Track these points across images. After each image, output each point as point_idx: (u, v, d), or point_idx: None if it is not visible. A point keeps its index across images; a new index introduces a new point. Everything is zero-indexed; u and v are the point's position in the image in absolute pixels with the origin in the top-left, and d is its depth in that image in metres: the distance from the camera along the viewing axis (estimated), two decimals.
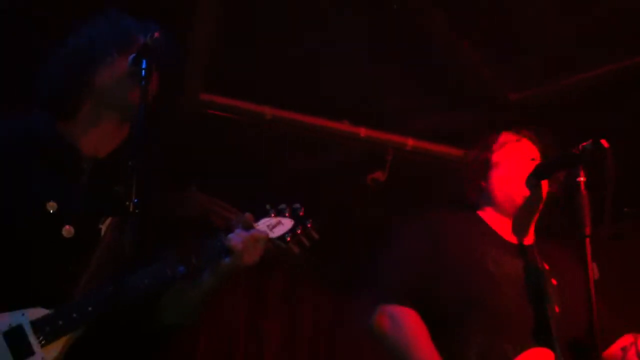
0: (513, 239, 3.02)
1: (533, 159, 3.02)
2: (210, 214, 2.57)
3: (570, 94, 4.37)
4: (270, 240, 2.52)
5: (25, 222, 2.37)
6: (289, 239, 2.54)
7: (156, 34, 2.33)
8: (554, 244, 3.09)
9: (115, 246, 2.40)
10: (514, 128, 3.15)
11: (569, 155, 2.78)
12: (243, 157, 4.90)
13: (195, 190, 2.64)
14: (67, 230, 2.39)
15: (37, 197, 2.40)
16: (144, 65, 2.29)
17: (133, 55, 2.37)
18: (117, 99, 2.48)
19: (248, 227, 2.50)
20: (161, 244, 2.47)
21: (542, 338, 2.78)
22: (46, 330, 2.25)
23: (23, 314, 2.25)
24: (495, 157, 3.09)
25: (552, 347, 2.76)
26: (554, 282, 2.90)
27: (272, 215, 2.58)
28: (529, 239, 3.04)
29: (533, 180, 2.96)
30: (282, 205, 2.60)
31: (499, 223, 3.04)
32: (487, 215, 3.08)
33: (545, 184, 3.00)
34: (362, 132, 4.64)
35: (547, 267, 2.94)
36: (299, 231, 2.56)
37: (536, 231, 3.07)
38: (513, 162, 3.03)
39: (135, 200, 2.11)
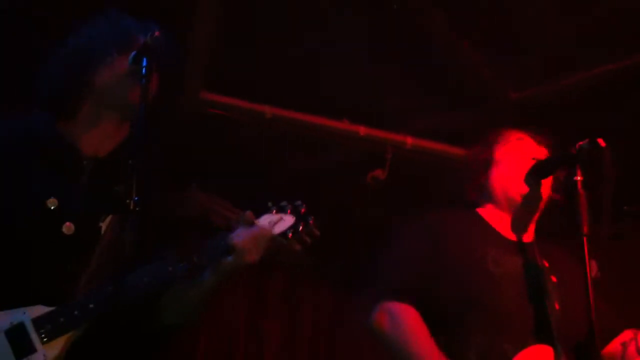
0: (513, 237, 3.02)
1: (534, 158, 3.02)
2: (211, 214, 2.57)
3: (570, 94, 4.38)
4: (272, 237, 2.52)
5: (25, 221, 2.37)
6: (290, 235, 2.54)
7: (156, 33, 2.33)
8: (554, 242, 3.09)
9: (115, 244, 2.40)
10: (518, 127, 3.15)
11: (566, 154, 2.79)
12: (243, 156, 4.90)
13: (195, 189, 2.64)
14: (68, 227, 2.39)
15: (37, 195, 2.40)
16: (144, 64, 2.29)
17: (134, 53, 2.38)
18: (118, 99, 2.48)
19: (249, 224, 2.49)
20: (161, 244, 2.47)
21: (542, 336, 2.78)
22: (47, 327, 2.25)
23: (24, 312, 2.26)
24: (498, 155, 3.09)
25: (552, 345, 2.76)
26: (554, 279, 2.91)
27: (274, 212, 2.58)
28: (529, 237, 3.04)
29: (531, 179, 2.96)
30: (284, 203, 2.59)
31: (499, 220, 3.05)
32: (487, 212, 3.08)
33: (545, 184, 3.00)
34: (362, 130, 4.64)
35: (546, 264, 2.94)
36: (300, 228, 2.55)
37: (537, 229, 3.07)
38: (514, 159, 3.03)
39: (136, 199, 2.11)
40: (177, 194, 2.68)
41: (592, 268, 2.55)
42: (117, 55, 2.49)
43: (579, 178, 2.68)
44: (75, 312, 2.27)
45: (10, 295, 2.28)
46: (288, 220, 2.56)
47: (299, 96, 4.48)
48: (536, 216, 3.04)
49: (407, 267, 2.94)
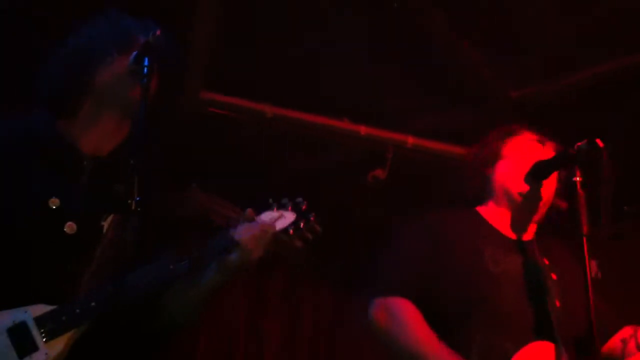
0: (512, 235, 3.02)
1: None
2: (211, 213, 2.57)
3: (570, 94, 4.38)
4: (274, 233, 2.52)
5: (26, 221, 2.37)
6: (291, 232, 2.54)
7: (158, 32, 2.33)
8: (555, 241, 3.09)
9: (117, 244, 2.40)
10: (534, 127, 3.14)
11: (565, 155, 2.79)
12: (243, 156, 4.90)
13: (195, 189, 2.64)
14: (70, 227, 2.39)
15: (38, 195, 2.40)
16: (146, 64, 2.29)
17: (135, 53, 2.38)
18: (118, 98, 2.49)
19: (251, 221, 2.49)
20: (161, 244, 2.47)
21: (543, 334, 2.78)
22: (49, 326, 2.26)
23: (26, 311, 2.26)
24: (506, 150, 3.09)
25: (553, 341, 2.76)
26: (554, 276, 2.91)
27: (275, 209, 2.58)
28: (529, 235, 3.05)
29: (531, 179, 2.96)
30: (285, 199, 2.59)
31: (499, 219, 3.05)
32: (487, 210, 3.08)
33: (546, 185, 3.00)
34: (363, 130, 4.64)
35: (546, 261, 2.94)
36: (301, 225, 2.55)
37: (538, 229, 3.07)
38: (520, 158, 3.03)
39: (137, 199, 2.11)
40: (177, 194, 2.68)
41: (592, 268, 2.55)
42: (117, 54, 2.49)
43: (578, 179, 2.68)
44: (77, 311, 2.28)
45: (13, 295, 2.29)
46: (289, 217, 2.56)
47: (299, 96, 4.48)
48: (536, 217, 3.04)
49: (407, 267, 2.94)
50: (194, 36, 3.99)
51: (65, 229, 2.39)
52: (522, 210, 3.01)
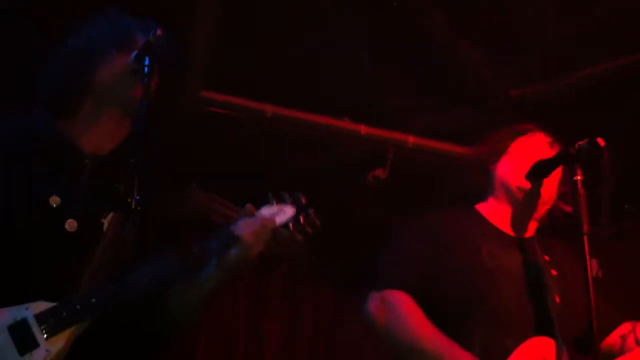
0: (511, 232, 3.03)
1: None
2: (211, 213, 2.56)
3: (570, 94, 4.38)
4: (274, 227, 2.51)
5: (27, 220, 2.37)
6: (291, 226, 2.53)
7: (158, 32, 2.33)
8: (556, 241, 3.10)
9: (117, 242, 2.40)
10: (546, 128, 3.14)
11: (566, 154, 2.79)
12: (243, 156, 4.90)
13: (195, 189, 2.64)
14: (70, 225, 2.40)
15: (39, 194, 2.41)
16: (146, 63, 2.29)
17: (135, 52, 2.38)
18: (118, 97, 2.49)
19: (250, 216, 2.49)
20: (161, 244, 2.47)
21: (543, 330, 2.79)
22: (50, 322, 2.26)
23: (27, 308, 2.27)
24: (513, 147, 3.09)
25: (553, 337, 2.77)
26: (554, 272, 2.91)
27: (274, 204, 2.57)
28: (529, 233, 3.05)
29: (532, 178, 2.96)
30: (284, 194, 2.59)
31: (498, 216, 3.05)
32: (487, 207, 3.09)
33: (547, 183, 3.00)
34: (363, 129, 4.64)
35: (546, 258, 2.95)
36: (301, 219, 2.55)
37: (539, 228, 3.07)
38: (525, 155, 3.03)
39: (137, 198, 2.11)
40: (177, 194, 2.68)
41: (593, 267, 2.56)
42: (117, 53, 2.49)
43: (578, 177, 2.69)
44: (78, 307, 2.28)
45: (13, 292, 2.29)
46: (289, 211, 2.55)
47: (299, 96, 4.48)
48: (536, 214, 3.04)
49: (407, 266, 2.94)
50: (194, 36, 3.99)
51: (65, 227, 2.39)
52: (522, 206, 3.01)
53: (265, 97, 4.46)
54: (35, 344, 2.24)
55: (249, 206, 2.51)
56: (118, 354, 2.36)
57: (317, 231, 2.57)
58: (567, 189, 3.03)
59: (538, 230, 3.08)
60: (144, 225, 2.20)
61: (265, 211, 2.54)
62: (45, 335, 2.25)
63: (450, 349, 2.72)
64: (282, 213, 2.55)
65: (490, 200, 3.10)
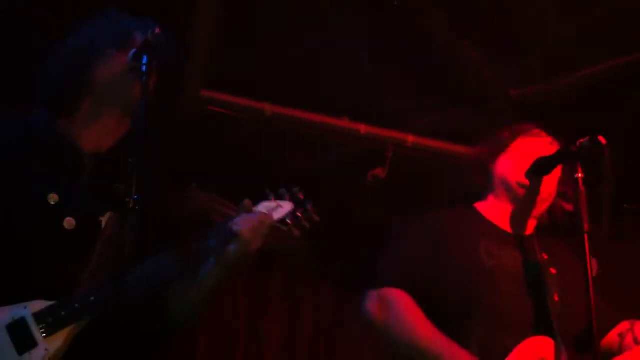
0: (510, 230, 3.03)
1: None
2: (211, 213, 2.56)
3: (570, 93, 4.38)
4: (272, 223, 2.50)
5: (26, 220, 2.37)
6: (289, 221, 2.53)
7: (157, 30, 2.33)
8: (556, 240, 3.10)
9: (116, 242, 2.40)
10: (546, 128, 3.14)
11: (567, 152, 2.80)
12: (243, 156, 4.90)
13: (195, 188, 2.64)
14: (69, 223, 2.40)
15: (38, 193, 2.41)
16: (144, 62, 2.29)
17: (134, 51, 2.38)
18: (118, 96, 2.49)
19: (248, 212, 2.49)
20: (161, 244, 2.47)
21: (542, 329, 2.79)
22: (49, 321, 2.26)
23: (25, 307, 2.27)
24: (513, 146, 3.09)
25: (551, 336, 2.77)
26: (553, 271, 2.91)
27: (272, 199, 2.57)
28: (528, 231, 3.05)
29: (532, 175, 2.97)
30: (282, 190, 2.58)
31: (497, 213, 3.05)
32: (486, 205, 3.09)
33: (547, 180, 3.00)
34: (362, 128, 4.64)
35: (545, 256, 2.95)
36: (299, 214, 2.54)
37: (538, 225, 3.07)
38: (525, 153, 3.03)
39: (135, 197, 2.11)
40: (177, 193, 2.68)
41: (592, 266, 2.56)
42: (116, 52, 2.49)
43: (579, 175, 2.69)
44: (76, 305, 2.28)
45: (12, 291, 2.29)
46: (286, 206, 2.55)
47: (299, 97, 4.48)
48: (535, 212, 3.04)
49: (407, 266, 2.94)
50: (194, 36, 3.99)
51: (64, 225, 2.39)
52: (522, 203, 3.01)
53: (265, 96, 4.46)
54: (33, 343, 2.24)
55: (246, 202, 2.50)
56: (118, 353, 2.36)
57: (315, 226, 2.57)
58: (567, 188, 3.03)
59: (537, 228, 3.08)
60: (144, 225, 2.20)
61: (263, 206, 2.54)
62: (43, 334, 2.25)
63: (449, 348, 2.73)
64: (280, 208, 2.54)
65: (490, 198, 3.10)
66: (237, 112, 4.45)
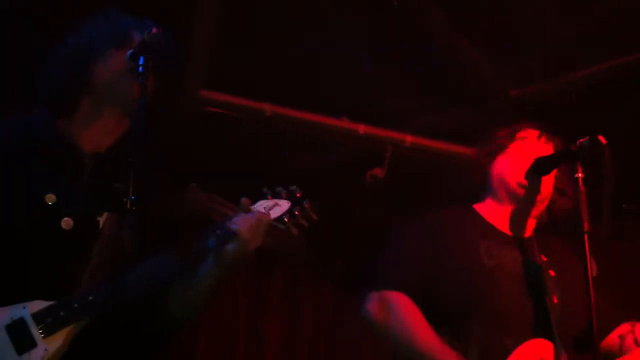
0: (509, 231, 3.03)
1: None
2: (211, 213, 2.56)
3: (570, 93, 4.38)
4: (270, 221, 2.50)
5: (25, 220, 2.37)
6: (287, 220, 2.52)
7: (154, 30, 2.33)
8: (555, 240, 3.10)
9: (114, 242, 2.40)
10: (543, 128, 3.14)
11: (567, 151, 2.79)
12: (243, 156, 4.90)
13: (195, 188, 2.64)
14: (67, 223, 2.40)
15: (37, 193, 2.41)
16: (141, 62, 2.29)
17: (130, 51, 2.38)
18: (118, 95, 2.49)
19: (246, 211, 2.49)
20: (161, 244, 2.47)
21: (541, 330, 2.79)
22: (48, 321, 2.26)
23: (24, 307, 2.27)
24: (512, 147, 3.09)
25: (551, 339, 2.77)
26: (552, 273, 2.91)
27: (269, 197, 2.56)
28: (527, 232, 3.05)
29: (532, 175, 2.96)
30: (279, 188, 2.58)
31: (496, 215, 3.05)
32: (485, 207, 3.09)
33: (545, 181, 3.00)
34: (361, 128, 4.64)
35: (544, 258, 2.95)
36: (297, 212, 2.54)
37: (537, 226, 3.07)
38: (522, 153, 3.03)
39: (133, 198, 2.11)
40: (177, 193, 2.68)
41: (592, 266, 2.56)
42: (115, 52, 2.49)
43: (579, 175, 2.68)
44: (75, 305, 2.28)
45: (11, 292, 2.29)
46: (284, 205, 2.54)
47: (299, 97, 4.48)
48: (534, 212, 3.04)
49: (407, 266, 2.94)
50: (194, 36, 3.99)
51: (62, 225, 2.39)
52: (521, 204, 3.01)
53: (265, 96, 4.46)
54: (33, 343, 2.24)
55: (244, 200, 2.50)
56: (117, 353, 2.36)
57: (313, 225, 2.56)
58: (565, 187, 3.03)
59: (536, 229, 3.08)
60: (144, 225, 2.20)
61: (260, 206, 2.54)
62: (42, 335, 2.25)
63: (448, 355, 2.73)
64: (277, 207, 2.53)
65: (488, 200, 3.10)
66: (237, 112, 4.45)
